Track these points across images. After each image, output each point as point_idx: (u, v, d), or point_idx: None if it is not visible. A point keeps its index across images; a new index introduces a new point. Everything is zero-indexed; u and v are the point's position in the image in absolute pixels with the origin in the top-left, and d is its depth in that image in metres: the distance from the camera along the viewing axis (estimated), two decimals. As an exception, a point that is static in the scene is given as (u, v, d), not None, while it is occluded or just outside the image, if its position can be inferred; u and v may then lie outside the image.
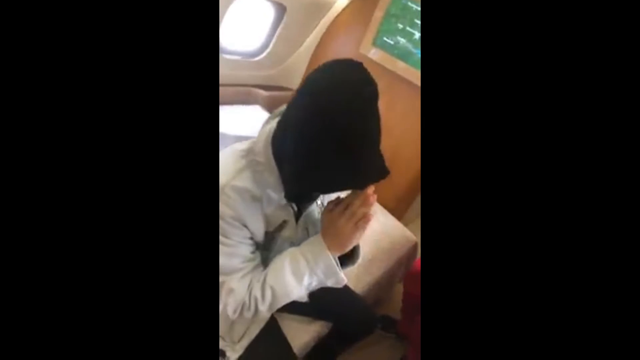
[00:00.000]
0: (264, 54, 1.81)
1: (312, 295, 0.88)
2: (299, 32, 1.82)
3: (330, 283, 0.69)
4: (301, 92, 0.55)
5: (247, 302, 0.66)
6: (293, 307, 0.96)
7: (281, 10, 1.67)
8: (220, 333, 0.82)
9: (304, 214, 0.74)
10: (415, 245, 1.46)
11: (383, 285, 1.35)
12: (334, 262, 0.67)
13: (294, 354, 0.89)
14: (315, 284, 0.69)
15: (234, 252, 0.65)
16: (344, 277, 0.70)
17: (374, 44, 1.63)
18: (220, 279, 0.65)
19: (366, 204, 0.63)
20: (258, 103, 1.89)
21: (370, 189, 0.62)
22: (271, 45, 1.78)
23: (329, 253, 0.66)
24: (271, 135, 0.63)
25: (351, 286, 1.11)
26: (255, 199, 0.65)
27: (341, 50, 1.81)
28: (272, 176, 0.63)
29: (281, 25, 1.73)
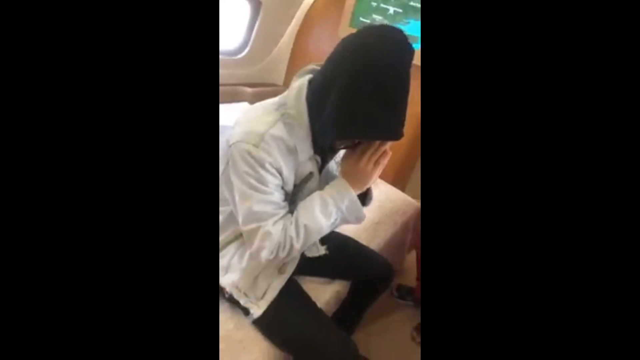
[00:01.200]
0: (245, 51, 1.84)
1: (329, 257, 0.92)
2: (277, 26, 1.86)
3: (352, 218, 0.75)
4: (344, 48, 0.63)
5: (283, 242, 0.70)
6: (312, 270, 0.97)
7: (257, 5, 1.72)
8: (244, 290, 0.82)
9: (325, 168, 0.79)
10: (418, 210, 1.48)
11: (393, 251, 1.36)
12: (356, 198, 0.73)
13: (318, 307, 0.88)
14: (339, 221, 0.75)
15: (269, 199, 0.70)
16: (365, 213, 0.76)
17: (351, 25, 1.68)
18: (255, 225, 0.70)
19: (383, 143, 0.71)
20: (246, 100, 1.91)
21: None
22: (251, 42, 1.82)
23: (352, 190, 0.72)
24: (303, 89, 0.69)
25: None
26: (289, 149, 0.70)
27: (320, 38, 1.86)
28: (302, 129, 0.69)
29: (258, 21, 1.77)
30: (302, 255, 0.90)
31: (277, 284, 0.84)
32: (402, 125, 0.64)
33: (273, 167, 0.68)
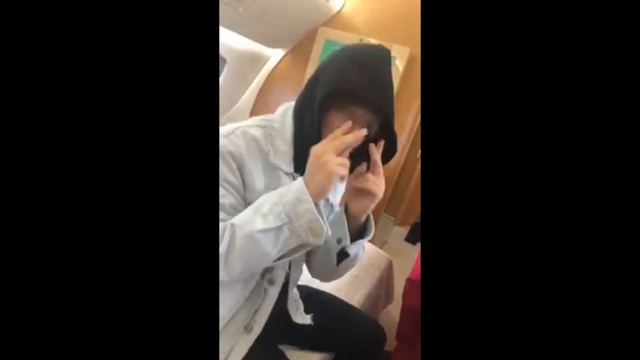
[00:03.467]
0: (205, 106, 1.82)
1: (315, 325, 0.81)
2: (239, 83, 1.90)
3: (303, 224, 0.55)
4: (326, 59, 0.66)
5: None
6: (297, 339, 0.83)
7: (221, 62, 1.75)
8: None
9: None
10: (390, 264, 1.42)
11: (371, 307, 1.24)
12: (308, 197, 0.54)
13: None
14: (287, 232, 0.55)
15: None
16: (325, 224, 0.56)
17: (313, 86, 1.77)
18: None
19: (348, 130, 0.59)
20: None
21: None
22: (212, 97, 1.81)
23: (303, 184, 0.55)
24: (290, 109, 0.67)
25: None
26: (261, 151, 0.63)
27: (282, 98, 1.90)
28: (284, 142, 0.64)
29: (222, 77, 1.79)
30: (287, 322, 0.77)
31: (243, 346, 0.67)
32: (388, 105, 0.60)
33: (234, 160, 0.60)
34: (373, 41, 1.60)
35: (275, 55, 1.89)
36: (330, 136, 0.58)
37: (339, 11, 1.70)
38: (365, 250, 1.21)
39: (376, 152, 0.61)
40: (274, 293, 0.70)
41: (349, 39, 1.64)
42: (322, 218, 0.56)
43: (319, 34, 1.73)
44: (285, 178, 0.64)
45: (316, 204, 0.55)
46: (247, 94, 1.95)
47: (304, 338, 0.83)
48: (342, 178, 0.57)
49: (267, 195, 0.58)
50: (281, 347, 0.82)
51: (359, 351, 0.85)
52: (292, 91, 1.86)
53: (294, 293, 0.79)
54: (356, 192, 0.63)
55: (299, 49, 1.84)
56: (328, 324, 0.83)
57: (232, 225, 0.55)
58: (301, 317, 0.79)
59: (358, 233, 0.67)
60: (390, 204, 2.06)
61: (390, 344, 1.38)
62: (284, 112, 0.67)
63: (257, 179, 0.62)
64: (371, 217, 0.69)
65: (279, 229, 0.55)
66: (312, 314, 0.81)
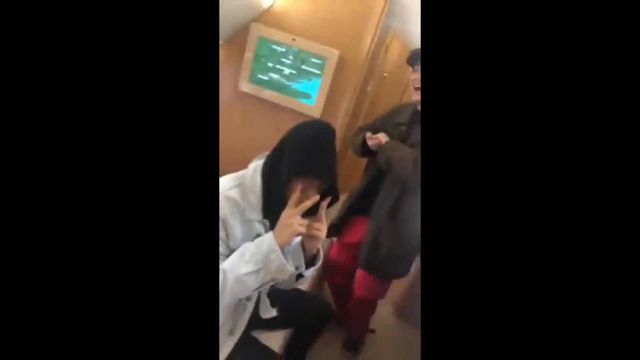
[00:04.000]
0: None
1: (280, 310, 1.10)
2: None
3: (274, 269, 0.82)
4: (290, 135, 0.90)
5: None
6: (266, 325, 1.11)
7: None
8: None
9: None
10: (331, 244, 1.72)
11: (314, 289, 1.56)
12: (276, 247, 0.81)
13: (275, 353, 1.03)
14: (263, 274, 0.82)
15: None
16: (291, 267, 0.86)
17: (251, 81, 1.85)
18: None
19: (305, 196, 0.86)
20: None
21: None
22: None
23: (272, 238, 0.82)
24: (259, 167, 0.91)
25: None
26: (239, 209, 0.89)
27: (222, 89, 1.95)
28: (254, 197, 0.88)
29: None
30: (258, 316, 1.05)
31: (226, 348, 0.95)
32: (333, 175, 0.87)
33: (221, 221, 0.85)
34: (305, 42, 1.71)
35: (208, 48, 1.88)
36: (292, 201, 0.83)
37: (270, 8, 1.74)
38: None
39: (324, 207, 0.87)
40: (250, 306, 0.99)
41: (283, 38, 1.72)
42: (288, 261, 0.83)
43: (251, 30, 1.76)
44: (257, 225, 0.90)
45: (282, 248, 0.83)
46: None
47: (270, 322, 1.12)
48: (300, 233, 0.85)
49: (247, 245, 0.84)
50: (254, 333, 1.10)
51: (312, 324, 1.21)
52: (228, 85, 1.91)
53: (264, 299, 1.06)
54: (308, 235, 0.89)
55: (231, 44, 1.86)
56: (287, 308, 1.13)
57: (224, 270, 0.81)
58: (269, 313, 1.09)
59: (310, 261, 0.96)
60: None
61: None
62: (254, 170, 0.93)
63: (237, 230, 0.87)
64: (320, 250, 0.97)
65: (257, 271, 0.81)
66: (276, 307, 1.10)
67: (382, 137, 1.27)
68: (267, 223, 0.91)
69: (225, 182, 0.90)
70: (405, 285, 1.84)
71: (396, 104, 1.54)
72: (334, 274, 1.53)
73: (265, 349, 1.07)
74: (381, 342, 1.69)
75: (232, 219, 0.86)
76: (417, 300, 1.30)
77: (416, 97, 1.27)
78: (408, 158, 1.16)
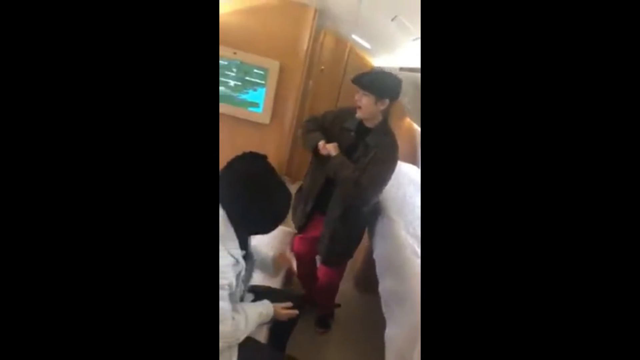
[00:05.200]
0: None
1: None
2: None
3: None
4: (225, 171, 0.95)
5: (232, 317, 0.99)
6: None
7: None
8: None
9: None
10: (293, 236, 1.91)
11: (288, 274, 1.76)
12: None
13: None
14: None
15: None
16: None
17: (198, 95, 1.91)
18: None
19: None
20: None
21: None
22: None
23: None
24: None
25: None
26: (234, 263, 0.98)
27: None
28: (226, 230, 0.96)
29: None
30: None
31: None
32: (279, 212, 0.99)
33: (228, 282, 0.94)
34: (246, 54, 1.81)
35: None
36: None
37: (208, 23, 1.80)
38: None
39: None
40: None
41: (224, 52, 1.80)
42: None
43: (192, 46, 1.81)
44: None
45: None
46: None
47: None
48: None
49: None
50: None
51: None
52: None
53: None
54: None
55: (174, 59, 1.89)
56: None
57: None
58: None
59: None
60: (288, 167, 2.50)
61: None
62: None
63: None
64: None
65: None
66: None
67: (333, 150, 1.42)
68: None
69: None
70: (360, 260, 2.10)
71: (342, 107, 1.66)
72: (299, 265, 1.74)
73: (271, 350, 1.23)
74: (347, 313, 1.97)
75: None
76: (372, 270, 1.56)
77: (358, 114, 1.42)
78: (350, 180, 1.31)
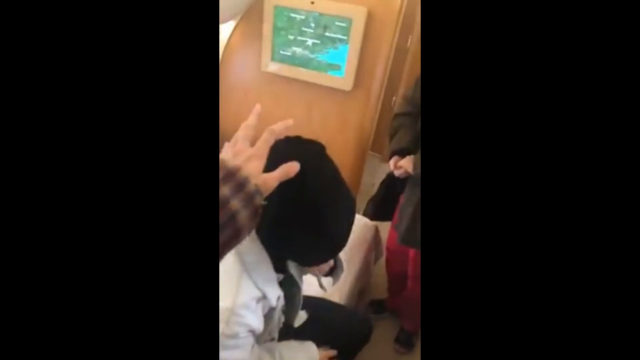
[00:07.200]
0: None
1: (310, 327, 0.96)
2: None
3: None
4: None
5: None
6: (298, 337, 1.01)
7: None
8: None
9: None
10: (376, 230, 1.57)
11: (362, 276, 1.44)
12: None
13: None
14: None
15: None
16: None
17: (273, 59, 1.67)
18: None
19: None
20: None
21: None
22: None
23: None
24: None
25: (338, 289, 1.18)
26: (260, 299, 0.65)
27: (243, 71, 1.81)
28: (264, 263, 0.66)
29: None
30: (289, 327, 0.93)
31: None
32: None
33: (249, 330, 0.66)
34: (326, 2, 1.47)
35: (224, 29, 1.73)
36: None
37: (283, -30, 1.51)
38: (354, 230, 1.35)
39: None
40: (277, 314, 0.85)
41: (300, 3, 1.50)
42: None
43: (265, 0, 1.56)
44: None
45: None
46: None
47: (304, 337, 0.97)
48: None
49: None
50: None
51: (351, 343, 1.09)
52: (251, 63, 1.75)
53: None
54: None
55: (248, 19, 1.68)
56: (320, 325, 0.99)
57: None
58: (299, 318, 0.94)
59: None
60: (375, 142, 2.13)
61: (383, 292, 1.63)
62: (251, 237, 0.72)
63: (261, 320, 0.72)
64: (339, 261, 0.86)
65: None
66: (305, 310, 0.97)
67: (407, 166, 1.09)
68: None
69: (227, 281, 0.63)
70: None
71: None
72: (393, 262, 1.43)
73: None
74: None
75: (259, 316, 0.68)
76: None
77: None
78: None
